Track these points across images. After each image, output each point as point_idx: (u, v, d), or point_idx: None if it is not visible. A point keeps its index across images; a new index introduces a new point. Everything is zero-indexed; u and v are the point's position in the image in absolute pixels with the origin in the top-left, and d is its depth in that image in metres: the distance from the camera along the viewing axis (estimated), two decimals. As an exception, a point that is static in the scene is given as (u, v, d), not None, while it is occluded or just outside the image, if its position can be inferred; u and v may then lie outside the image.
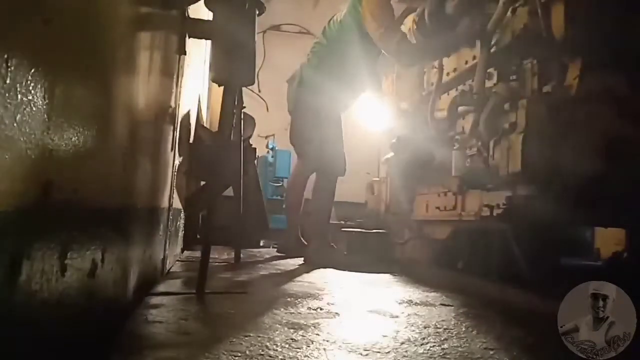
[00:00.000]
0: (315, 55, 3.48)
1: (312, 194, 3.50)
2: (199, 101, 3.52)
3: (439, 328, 1.35)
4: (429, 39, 2.99)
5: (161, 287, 1.76)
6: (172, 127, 2.02)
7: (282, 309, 1.51)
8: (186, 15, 2.17)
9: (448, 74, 3.09)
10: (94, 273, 0.87)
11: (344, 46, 3.31)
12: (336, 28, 3.40)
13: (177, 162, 2.25)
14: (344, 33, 3.32)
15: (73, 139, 0.73)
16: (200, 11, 2.34)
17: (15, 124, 0.53)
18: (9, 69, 0.51)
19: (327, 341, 1.15)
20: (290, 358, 1.01)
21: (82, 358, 0.83)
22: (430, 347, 1.16)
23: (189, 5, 2.13)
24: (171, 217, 2.17)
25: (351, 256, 3.22)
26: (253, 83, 2.08)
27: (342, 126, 3.54)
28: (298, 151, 3.59)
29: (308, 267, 2.91)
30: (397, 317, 1.49)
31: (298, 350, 1.06)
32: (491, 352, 1.13)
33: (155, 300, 1.53)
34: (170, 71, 1.91)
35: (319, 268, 2.82)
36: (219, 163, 2.04)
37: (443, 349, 1.15)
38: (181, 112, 2.31)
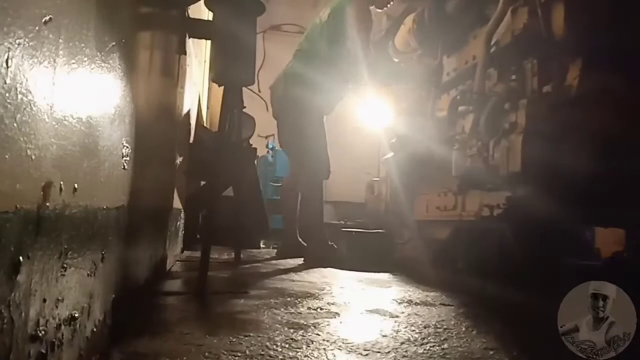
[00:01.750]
0: (298, 60, 3.49)
1: (302, 196, 3.50)
2: (199, 101, 3.53)
3: (439, 328, 1.35)
4: (428, 38, 3.03)
5: (161, 287, 1.76)
6: (172, 127, 2.02)
7: (282, 309, 1.51)
8: (186, 15, 2.17)
9: (448, 74, 3.09)
10: (94, 273, 0.87)
11: (326, 47, 3.34)
12: (318, 31, 3.43)
13: (177, 162, 2.25)
14: (327, 34, 3.35)
15: (73, 139, 0.73)
16: (200, 11, 2.34)
17: (15, 124, 0.53)
18: (9, 69, 0.51)
19: (327, 341, 1.15)
20: (290, 358, 1.01)
21: (83, 357, 0.83)
22: (430, 347, 1.16)
23: (189, 5, 2.13)
24: (171, 217, 2.17)
25: (351, 256, 3.22)
26: (253, 83, 2.09)
27: (325, 129, 3.51)
28: (290, 152, 3.58)
29: (308, 267, 2.91)
30: (397, 317, 1.49)
31: (298, 350, 1.06)
32: (491, 352, 1.13)
33: (155, 300, 1.53)
34: (170, 71, 1.91)
35: (319, 268, 2.83)
36: (219, 163, 2.04)
37: (443, 349, 1.15)
38: (181, 112, 2.31)
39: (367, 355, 1.06)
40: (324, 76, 3.32)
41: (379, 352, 1.09)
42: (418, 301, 1.79)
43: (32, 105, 0.57)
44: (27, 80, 0.56)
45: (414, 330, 1.31)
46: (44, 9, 0.60)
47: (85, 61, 0.78)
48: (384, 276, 2.57)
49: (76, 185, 0.74)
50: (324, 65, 3.33)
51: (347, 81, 3.45)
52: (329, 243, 3.36)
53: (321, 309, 1.56)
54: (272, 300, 1.66)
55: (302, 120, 3.35)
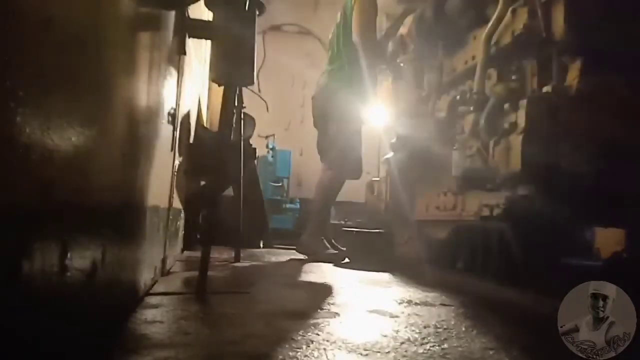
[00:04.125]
0: (328, 71, 3.60)
1: (317, 189, 3.53)
2: (199, 101, 3.53)
3: (439, 328, 1.35)
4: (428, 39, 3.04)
5: (161, 287, 1.76)
6: (172, 127, 2.02)
7: (282, 309, 1.51)
8: (186, 15, 2.16)
9: (448, 74, 3.10)
10: (94, 273, 0.87)
11: (346, 48, 3.39)
12: (336, 34, 3.54)
13: (177, 162, 2.25)
14: (343, 33, 3.42)
15: (73, 139, 0.73)
16: (200, 11, 2.34)
17: (15, 124, 0.53)
18: (10, 69, 0.51)
19: (327, 341, 1.15)
20: (290, 358, 1.01)
21: (83, 358, 0.83)
22: (430, 347, 1.16)
23: (189, 5, 2.12)
24: (171, 217, 2.17)
25: (351, 256, 3.23)
26: (253, 83, 2.08)
27: (360, 134, 3.60)
28: (330, 157, 3.55)
29: (308, 266, 2.91)
30: (397, 317, 1.49)
31: (298, 350, 1.06)
32: (491, 352, 1.13)
33: (155, 300, 1.53)
34: (170, 71, 1.91)
35: (312, 262, 2.86)
36: (219, 163, 2.04)
37: (443, 349, 1.15)
38: (181, 112, 2.31)
39: (367, 355, 1.06)
40: (355, 78, 3.37)
41: (379, 352, 1.09)
42: (418, 301, 1.79)
43: (32, 105, 0.58)
44: (27, 80, 0.56)
45: (414, 330, 1.31)
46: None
47: (84, 61, 0.78)
48: (384, 276, 2.57)
49: (76, 185, 0.75)
50: (351, 71, 3.39)
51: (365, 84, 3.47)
52: (331, 241, 3.39)
53: (321, 308, 1.56)
54: (272, 300, 1.66)
55: (340, 126, 3.42)
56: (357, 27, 3.30)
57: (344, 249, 3.36)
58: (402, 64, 3.77)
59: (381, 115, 3.98)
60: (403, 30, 3.53)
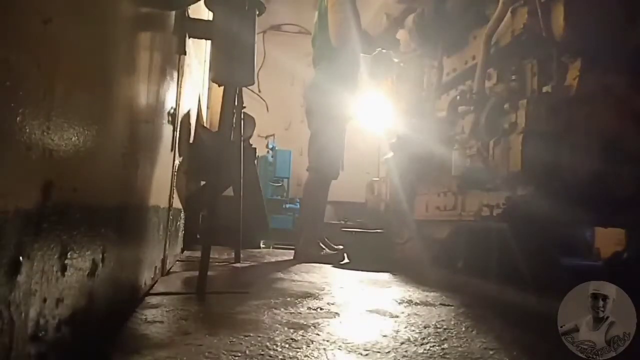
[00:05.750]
0: (315, 68, 3.62)
1: (303, 192, 3.56)
2: (199, 101, 3.53)
3: (439, 328, 1.35)
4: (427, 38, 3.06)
5: (161, 287, 1.76)
6: (172, 127, 2.02)
7: (282, 309, 1.51)
8: (186, 15, 2.17)
9: (448, 74, 3.09)
10: (94, 273, 0.87)
11: (326, 44, 3.44)
12: (316, 30, 3.59)
13: (177, 162, 2.25)
14: (321, 28, 3.48)
15: (73, 139, 0.73)
16: (200, 11, 2.34)
17: (15, 124, 0.53)
18: (10, 69, 0.51)
19: (327, 341, 1.15)
20: (290, 358, 1.01)
21: (83, 358, 0.83)
22: (430, 347, 1.16)
23: (189, 5, 2.13)
24: (171, 217, 2.17)
25: (351, 255, 3.23)
26: (253, 83, 2.08)
27: (343, 133, 3.59)
28: (309, 158, 3.60)
29: (307, 266, 2.91)
30: (397, 317, 1.49)
31: (298, 350, 1.06)
32: (491, 352, 1.13)
33: (155, 300, 1.53)
34: (170, 71, 1.91)
35: (306, 263, 2.86)
36: (219, 163, 2.04)
37: (443, 349, 1.15)
38: (181, 112, 2.31)
39: (367, 355, 1.06)
40: (334, 77, 3.39)
41: (379, 352, 1.09)
42: (418, 301, 1.79)
43: (32, 105, 0.58)
44: (27, 80, 0.56)
45: (414, 330, 1.31)
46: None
47: (84, 61, 0.78)
48: (384, 276, 2.57)
49: (76, 185, 0.75)
50: (331, 66, 3.41)
51: (354, 76, 3.49)
52: (327, 242, 3.40)
53: (321, 309, 1.56)
54: (272, 300, 1.66)
55: (321, 124, 3.44)
56: (333, 28, 3.33)
57: (341, 246, 3.36)
58: (402, 64, 3.77)
59: (381, 115, 3.98)
60: (403, 30, 3.53)
